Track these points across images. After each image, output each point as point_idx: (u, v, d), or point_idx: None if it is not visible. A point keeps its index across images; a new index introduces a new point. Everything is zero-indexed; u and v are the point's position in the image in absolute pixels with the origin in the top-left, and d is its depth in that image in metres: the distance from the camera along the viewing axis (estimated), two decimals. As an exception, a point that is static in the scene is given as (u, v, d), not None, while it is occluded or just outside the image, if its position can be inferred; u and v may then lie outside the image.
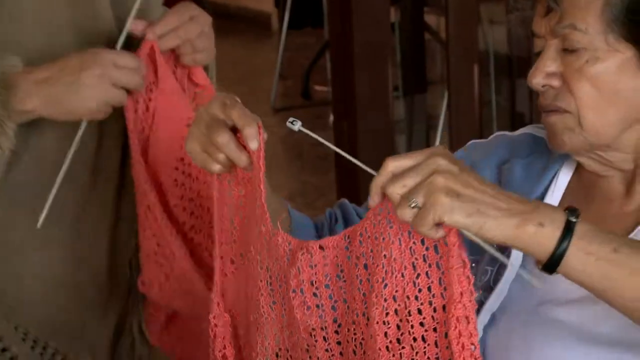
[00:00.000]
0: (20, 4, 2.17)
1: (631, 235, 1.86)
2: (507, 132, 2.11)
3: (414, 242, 1.65)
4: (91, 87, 2.03)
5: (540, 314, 1.86)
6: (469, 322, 1.63)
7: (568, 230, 1.59)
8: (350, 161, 3.23)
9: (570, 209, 1.60)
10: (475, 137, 2.24)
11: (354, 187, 3.71)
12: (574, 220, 1.59)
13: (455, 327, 1.63)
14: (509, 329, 1.90)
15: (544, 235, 1.59)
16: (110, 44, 2.18)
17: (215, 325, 1.98)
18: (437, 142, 4.83)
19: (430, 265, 1.65)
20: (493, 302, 1.90)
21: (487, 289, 1.90)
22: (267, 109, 6.80)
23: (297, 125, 1.70)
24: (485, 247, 1.61)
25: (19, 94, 2.04)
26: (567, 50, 1.83)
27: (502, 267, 1.88)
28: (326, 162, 3.83)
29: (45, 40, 2.17)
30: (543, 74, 1.84)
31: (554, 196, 1.98)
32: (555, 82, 1.84)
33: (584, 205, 1.90)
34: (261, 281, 1.83)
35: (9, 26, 2.15)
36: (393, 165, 1.62)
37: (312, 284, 1.76)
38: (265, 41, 8.27)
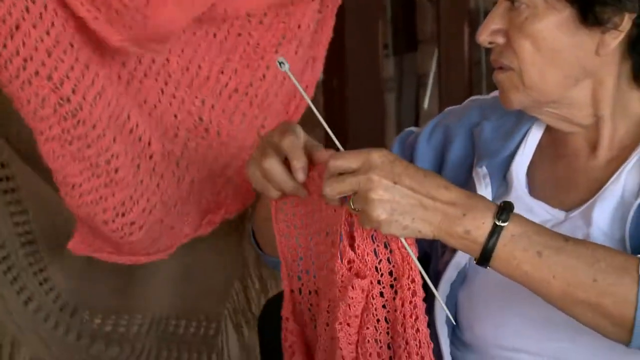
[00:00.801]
0: None
1: (597, 194, 1.94)
2: (480, 96, 2.17)
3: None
4: None
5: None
6: (415, 305, 1.79)
7: (493, 235, 1.69)
8: (339, 120, 3.29)
9: (502, 206, 1.70)
10: (465, 96, 2.25)
11: (343, 145, 3.73)
12: (499, 224, 1.68)
13: (405, 305, 1.79)
14: (479, 285, 1.99)
15: (470, 241, 1.70)
16: None
17: (288, 341, 1.99)
18: (426, 101, 4.83)
19: (387, 249, 1.79)
20: (458, 260, 1.99)
21: (452, 249, 1.97)
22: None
23: (285, 67, 1.76)
24: (415, 261, 1.77)
25: None
26: (512, 7, 1.86)
27: None
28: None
29: None
30: (489, 31, 1.89)
31: (525, 154, 2.04)
32: (500, 39, 1.89)
33: (553, 161, 2.00)
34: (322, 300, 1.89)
35: None
36: (334, 166, 1.71)
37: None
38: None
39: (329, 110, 3.87)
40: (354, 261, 1.77)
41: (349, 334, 1.80)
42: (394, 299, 1.78)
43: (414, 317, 1.77)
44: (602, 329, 1.74)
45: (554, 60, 1.90)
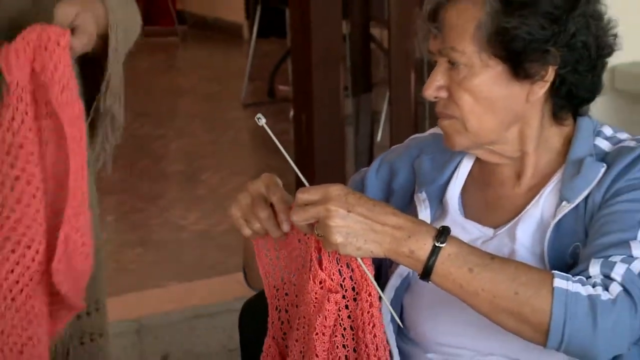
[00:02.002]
0: None
1: (519, 215, 1.93)
2: (419, 135, 2.16)
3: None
4: None
5: None
6: (372, 314, 1.80)
7: (433, 254, 1.70)
8: (306, 149, 3.24)
9: (440, 231, 1.71)
10: (411, 131, 2.28)
11: (309, 170, 3.72)
12: (438, 245, 1.69)
13: (364, 315, 1.81)
14: (422, 290, 1.96)
15: (414, 259, 1.72)
16: None
17: None
18: (379, 134, 4.84)
19: (349, 269, 1.81)
20: (403, 269, 1.96)
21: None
22: (238, 105, 6.78)
23: (262, 122, 1.78)
24: (370, 277, 1.79)
25: None
26: (451, 66, 1.86)
27: None
28: (287, 149, 3.83)
29: None
30: (433, 88, 1.87)
31: (457, 182, 2.03)
32: (443, 94, 1.88)
33: (483, 187, 2.00)
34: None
35: None
36: (300, 199, 1.74)
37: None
38: (237, 48, 8.23)
39: (299, 139, 3.87)
40: (325, 280, 1.78)
41: (323, 342, 1.82)
42: (356, 309, 1.79)
43: (371, 324, 1.79)
44: (523, 333, 1.73)
45: (490, 109, 1.89)
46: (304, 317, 1.87)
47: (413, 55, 3.94)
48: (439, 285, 1.74)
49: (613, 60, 1.99)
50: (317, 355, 1.82)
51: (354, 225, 1.71)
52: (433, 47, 1.90)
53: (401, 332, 2.01)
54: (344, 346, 1.81)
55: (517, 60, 1.85)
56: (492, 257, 1.75)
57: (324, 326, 1.80)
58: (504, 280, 1.71)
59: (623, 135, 1.96)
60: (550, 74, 1.88)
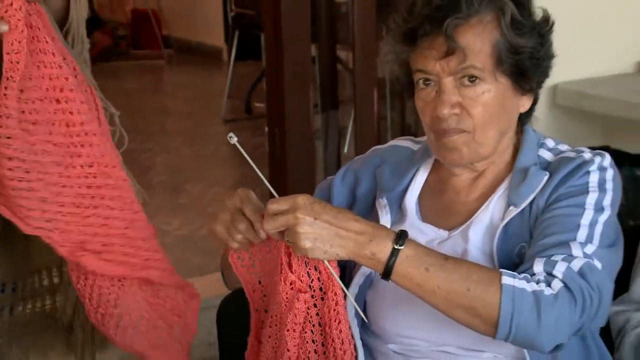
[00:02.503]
0: None
1: (471, 219, 1.94)
2: (379, 146, 2.16)
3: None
4: None
5: None
6: (338, 312, 1.80)
7: (393, 256, 1.70)
8: (279, 160, 3.21)
9: (398, 236, 1.71)
10: (375, 144, 2.27)
11: (282, 179, 3.72)
12: (397, 248, 1.69)
13: (331, 312, 1.80)
14: (383, 287, 1.95)
15: (375, 260, 1.71)
16: None
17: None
18: (346, 147, 4.85)
19: (316, 271, 1.80)
20: (365, 269, 1.97)
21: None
22: (219, 121, 6.77)
23: (234, 140, 1.78)
24: (336, 277, 1.79)
25: None
26: (465, 84, 1.84)
27: None
28: (262, 159, 3.83)
29: None
30: (449, 105, 1.84)
31: (415, 189, 2.03)
32: (457, 110, 1.85)
33: (440, 195, 2.00)
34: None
35: None
36: (270, 209, 1.73)
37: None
38: (217, 69, 8.22)
39: (272, 152, 3.87)
40: (295, 282, 1.78)
41: (294, 338, 1.82)
42: (324, 307, 1.79)
43: (337, 321, 1.79)
44: (475, 326, 1.73)
45: (496, 121, 1.89)
46: (276, 316, 1.87)
47: (375, 74, 3.95)
48: (398, 284, 1.73)
49: (555, 79, 2.01)
50: (288, 350, 1.83)
51: (321, 232, 1.70)
52: (435, 67, 1.85)
53: (364, 326, 2.01)
54: (313, 341, 1.81)
55: (522, 75, 1.88)
56: (446, 257, 1.75)
57: (295, 323, 1.81)
58: (457, 279, 1.71)
59: (563, 147, 1.98)
60: (537, 88, 1.94)
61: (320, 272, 1.77)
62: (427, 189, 2.04)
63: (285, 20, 3.68)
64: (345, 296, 1.81)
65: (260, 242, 1.84)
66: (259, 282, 1.93)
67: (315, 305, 1.79)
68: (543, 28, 1.91)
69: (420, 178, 2.05)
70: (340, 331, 1.79)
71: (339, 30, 4.60)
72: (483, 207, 1.95)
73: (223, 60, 8.32)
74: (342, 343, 1.79)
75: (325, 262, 1.75)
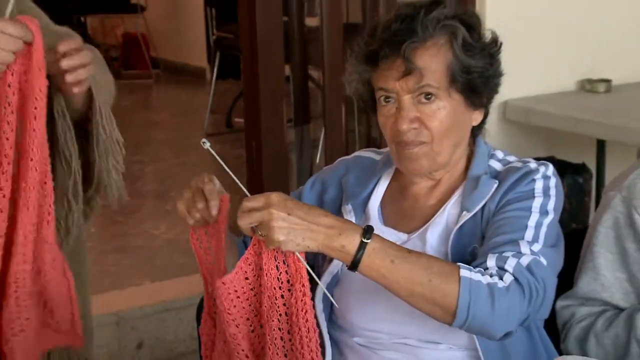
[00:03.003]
0: None
1: (429, 222, 1.94)
2: (345, 157, 2.15)
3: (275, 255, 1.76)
4: None
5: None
6: (305, 302, 1.76)
7: (361, 249, 1.68)
8: (256, 170, 3.17)
9: (366, 230, 1.69)
10: (344, 155, 2.27)
11: (259, 187, 3.71)
12: (365, 241, 1.67)
13: (298, 302, 1.77)
14: (349, 284, 1.97)
15: (344, 252, 1.69)
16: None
17: (203, 334, 1.99)
18: (317, 158, 4.84)
19: (284, 264, 1.76)
20: (333, 268, 1.98)
21: (329, 261, 1.97)
22: (202, 134, 6.72)
23: (207, 145, 1.77)
24: (307, 268, 1.76)
25: None
26: (422, 101, 1.84)
27: None
28: (241, 169, 3.82)
29: None
30: (408, 121, 1.85)
31: (377, 196, 2.02)
32: (415, 124, 1.86)
33: (400, 201, 2.00)
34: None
35: None
36: (245, 206, 1.71)
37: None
38: (201, 88, 8.18)
39: (250, 162, 3.86)
40: (264, 274, 1.76)
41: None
42: (291, 298, 1.76)
43: (304, 310, 1.76)
44: (435, 314, 1.74)
45: (451, 132, 1.89)
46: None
47: (343, 92, 3.95)
48: (365, 275, 1.72)
49: (504, 96, 2.03)
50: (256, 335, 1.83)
51: (294, 226, 1.69)
52: (395, 85, 1.86)
53: (332, 321, 2.01)
54: (279, 329, 1.79)
55: (473, 92, 1.89)
56: (409, 251, 1.76)
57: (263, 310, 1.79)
58: (420, 270, 1.71)
59: (511, 158, 1.99)
60: (487, 104, 1.94)
61: (288, 266, 1.75)
62: (388, 196, 2.04)
63: (260, 43, 3.68)
64: (313, 288, 1.80)
65: (215, 224, 1.83)
66: (213, 263, 1.91)
67: (282, 297, 1.77)
68: (492, 49, 1.92)
69: (382, 186, 2.05)
70: (307, 320, 1.77)
71: (310, 52, 4.60)
72: (439, 212, 1.95)
73: (206, 79, 8.29)
74: (308, 331, 1.77)
75: (297, 253, 1.72)
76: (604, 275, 1.94)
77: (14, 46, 1.72)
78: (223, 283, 1.78)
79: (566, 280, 2.01)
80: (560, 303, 2.00)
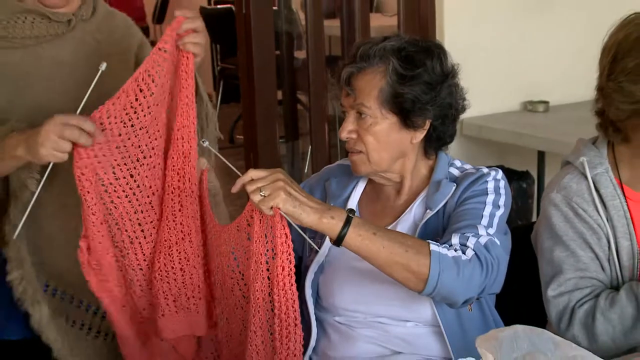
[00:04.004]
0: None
1: (398, 219, 1.93)
2: (330, 165, 2.14)
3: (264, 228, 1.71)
4: (44, 140, 1.67)
5: (350, 262, 1.88)
6: (284, 269, 1.69)
7: (347, 222, 1.64)
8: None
9: (350, 210, 1.67)
10: (327, 164, 2.26)
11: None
12: (351, 216, 1.64)
13: (278, 274, 1.68)
14: (332, 272, 1.94)
15: (333, 224, 1.65)
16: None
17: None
18: (306, 168, 4.82)
19: (271, 235, 1.70)
20: (319, 257, 1.95)
21: (316, 251, 1.94)
22: (208, 149, 6.74)
23: (206, 144, 1.77)
24: (296, 227, 1.69)
25: (12, 144, 1.76)
26: (360, 117, 1.84)
27: (324, 237, 1.90)
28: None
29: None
30: (346, 132, 1.86)
31: (354, 197, 2.01)
32: (354, 135, 1.86)
33: (374, 202, 1.98)
34: None
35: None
36: (253, 173, 1.66)
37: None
38: (207, 110, 8.19)
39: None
40: (255, 241, 1.73)
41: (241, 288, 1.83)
42: (274, 264, 1.70)
43: (287, 278, 1.70)
44: (408, 281, 1.70)
45: (386, 147, 1.88)
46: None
47: (326, 112, 3.95)
48: (350, 246, 1.68)
49: (461, 116, 2.01)
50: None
51: (295, 194, 1.65)
52: (346, 103, 1.89)
53: (317, 303, 1.99)
54: (261, 291, 1.73)
55: (406, 115, 1.86)
56: (385, 228, 1.77)
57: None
58: (397, 242, 1.68)
59: (467, 166, 1.99)
60: (427, 124, 1.89)
61: (274, 237, 1.67)
62: (364, 197, 2.03)
63: (257, 72, 3.68)
64: (303, 276, 1.80)
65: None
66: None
67: (267, 262, 1.72)
68: (434, 80, 1.87)
69: (359, 188, 2.03)
70: (291, 285, 1.70)
71: (298, 79, 4.60)
72: (407, 210, 1.94)
73: (212, 103, 8.28)
74: (286, 293, 1.70)
75: (288, 219, 1.66)
76: (581, 256, 1.87)
77: (74, 136, 1.68)
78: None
79: (516, 269, 1.97)
80: (551, 292, 1.90)
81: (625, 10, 1.87)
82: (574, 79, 3.90)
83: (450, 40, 3.69)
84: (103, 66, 1.72)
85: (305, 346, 1.92)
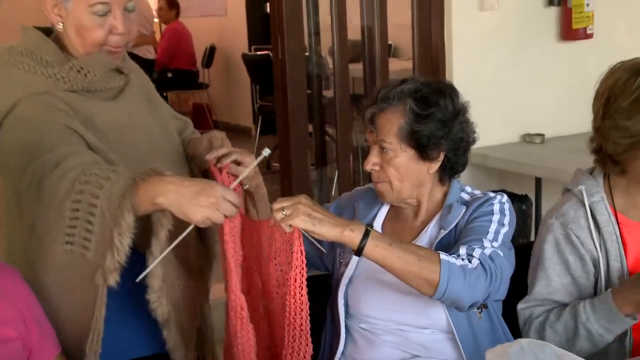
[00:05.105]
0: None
1: (417, 238, 1.88)
2: (359, 188, 2.10)
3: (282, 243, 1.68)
4: (203, 207, 1.50)
5: (375, 275, 1.85)
6: (296, 280, 1.62)
7: (366, 234, 1.60)
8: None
9: (368, 225, 1.63)
10: (351, 190, 2.23)
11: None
12: (369, 229, 1.60)
13: (291, 284, 1.63)
14: (359, 284, 1.90)
15: (354, 236, 1.60)
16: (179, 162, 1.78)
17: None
18: (333, 191, 4.81)
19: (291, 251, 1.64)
20: (349, 271, 1.90)
21: (346, 264, 1.90)
22: (249, 175, 6.74)
23: (267, 152, 1.69)
24: (314, 242, 1.67)
25: (152, 192, 1.52)
26: (382, 151, 1.81)
27: (351, 253, 1.84)
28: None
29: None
30: (371, 164, 1.83)
31: (379, 218, 1.97)
32: (377, 167, 1.83)
33: (395, 222, 1.94)
34: None
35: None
36: (280, 199, 1.62)
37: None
38: (248, 141, 8.16)
39: (283, 196, 3.83)
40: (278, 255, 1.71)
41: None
42: (289, 278, 1.64)
43: (298, 289, 1.64)
44: (421, 287, 1.67)
45: (406, 178, 1.86)
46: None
47: (351, 144, 3.94)
48: (369, 255, 1.64)
49: (471, 146, 1.98)
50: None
51: (315, 214, 1.60)
52: (370, 139, 1.87)
53: (346, 311, 1.96)
54: (277, 293, 1.70)
55: (423, 149, 1.83)
56: (400, 240, 1.73)
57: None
58: (412, 251, 1.65)
59: (476, 191, 1.95)
60: (442, 156, 1.86)
61: (292, 252, 1.62)
62: (388, 217, 2.00)
63: (290, 109, 3.67)
64: (335, 289, 1.75)
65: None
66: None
67: (282, 270, 1.71)
68: (447, 117, 1.84)
69: (383, 211, 2.01)
70: (302, 295, 1.64)
71: (326, 114, 4.59)
72: (424, 230, 1.92)
73: (252, 135, 8.27)
74: (302, 302, 1.65)
75: (306, 234, 1.62)
76: (554, 281, 1.89)
77: (229, 211, 1.54)
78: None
79: (520, 282, 1.95)
80: (520, 306, 1.93)
81: (606, 57, 1.90)
82: (566, 114, 3.90)
83: (459, 80, 3.69)
84: (266, 152, 1.68)
85: (335, 350, 1.90)
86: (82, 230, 1.51)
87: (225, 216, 1.53)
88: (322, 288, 1.98)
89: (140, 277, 1.59)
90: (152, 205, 1.53)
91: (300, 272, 1.63)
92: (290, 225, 1.59)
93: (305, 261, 1.63)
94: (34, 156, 1.58)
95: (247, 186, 1.82)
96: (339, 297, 1.93)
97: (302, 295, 1.64)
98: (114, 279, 1.52)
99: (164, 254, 1.58)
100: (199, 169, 1.93)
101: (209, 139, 1.90)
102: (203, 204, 1.50)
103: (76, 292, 1.62)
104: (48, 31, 1.76)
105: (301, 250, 1.62)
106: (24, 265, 1.66)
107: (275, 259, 1.73)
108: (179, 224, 1.57)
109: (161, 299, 1.65)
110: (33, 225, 1.63)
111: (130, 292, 1.61)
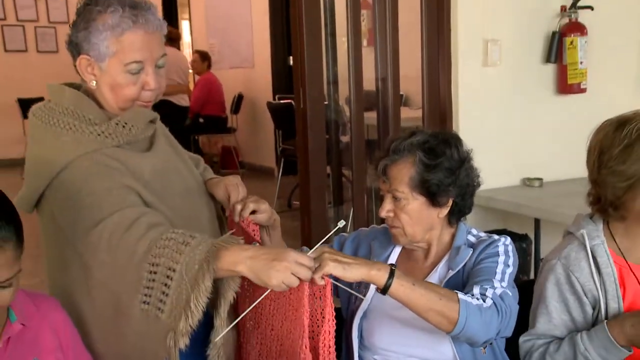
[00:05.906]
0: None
1: (427, 278, 1.84)
2: (375, 226, 2.06)
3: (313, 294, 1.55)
4: (278, 272, 1.45)
5: (388, 311, 1.82)
6: (329, 333, 1.52)
7: (391, 274, 1.56)
8: (307, 237, 3.02)
9: (392, 265, 1.58)
10: (365, 226, 2.21)
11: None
12: (394, 269, 1.56)
13: (325, 337, 1.52)
14: (373, 317, 1.86)
15: (380, 276, 1.56)
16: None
17: None
18: (348, 227, 4.78)
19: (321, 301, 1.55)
20: (364, 306, 1.87)
21: (360, 300, 1.86)
22: (271, 211, 6.71)
23: (342, 224, 1.63)
24: (348, 290, 1.66)
25: (232, 259, 1.49)
26: (395, 199, 1.79)
27: (366, 288, 1.84)
28: (297, 236, 3.74)
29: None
30: (385, 211, 1.81)
31: (392, 258, 1.93)
32: (391, 214, 1.81)
33: (406, 262, 1.90)
34: None
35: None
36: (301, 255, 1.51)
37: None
38: (271, 181, 8.18)
39: (303, 232, 3.80)
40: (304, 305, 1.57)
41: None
42: (322, 331, 1.55)
43: (329, 334, 1.53)
44: (440, 324, 1.63)
45: (418, 223, 1.84)
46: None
47: (365, 184, 3.91)
48: (394, 294, 1.59)
49: (476, 189, 1.95)
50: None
51: (341, 259, 1.55)
52: (383, 188, 1.85)
53: (360, 343, 1.92)
54: (312, 337, 1.56)
55: (433, 196, 1.82)
56: (421, 280, 1.69)
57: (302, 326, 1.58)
58: (433, 291, 1.62)
59: (482, 234, 1.93)
60: (450, 201, 1.85)
61: (324, 306, 1.53)
62: (400, 257, 1.97)
63: (310, 152, 3.66)
64: (349, 323, 1.67)
65: None
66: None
67: (312, 331, 1.57)
68: (453, 166, 1.83)
69: (396, 251, 1.98)
70: (331, 345, 1.54)
71: (343, 157, 4.58)
72: (433, 271, 1.89)
73: (274, 176, 8.29)
74: (329, 349, 1.55)
75: (339, 285, 1.58)
76: (554, 317, 1.86)
77: (303, 275, 1.49)
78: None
79: (520, 317, 1.90)
80: (522, 338, 1.90)
81: (598, 109, 1.87)
82: (562, 160, 3.87)
83: (464, 128, 3.69)
84: (341, 223, 1.65)
85: (350, 379, 1.86)
86: (158, 292, 1.47)
87: (300, 279, 1.47)
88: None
89: (218, 337, 1.55)
90: (229, 272, 1.49)
91: (331, 324, 1.53)
92: (322, 277, 1.51)
93: (334, 314, 1.54)
94: (99, 217, 1.51)
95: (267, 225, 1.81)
96: (354, 329, 1.89)
97: (330, 346, 1.53)
98: (184, 343, 1.47)
99: (242, 316, 1.57)
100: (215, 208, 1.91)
101: (225, 186, 1.86)
102: (278, 268, 1.45)
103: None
104: (75, 87, 1.70)
105: (331, 303, 1.53)
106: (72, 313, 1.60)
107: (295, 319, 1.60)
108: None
109: (220, 353, 1.62)
110: (91, 287, 1.56)
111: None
